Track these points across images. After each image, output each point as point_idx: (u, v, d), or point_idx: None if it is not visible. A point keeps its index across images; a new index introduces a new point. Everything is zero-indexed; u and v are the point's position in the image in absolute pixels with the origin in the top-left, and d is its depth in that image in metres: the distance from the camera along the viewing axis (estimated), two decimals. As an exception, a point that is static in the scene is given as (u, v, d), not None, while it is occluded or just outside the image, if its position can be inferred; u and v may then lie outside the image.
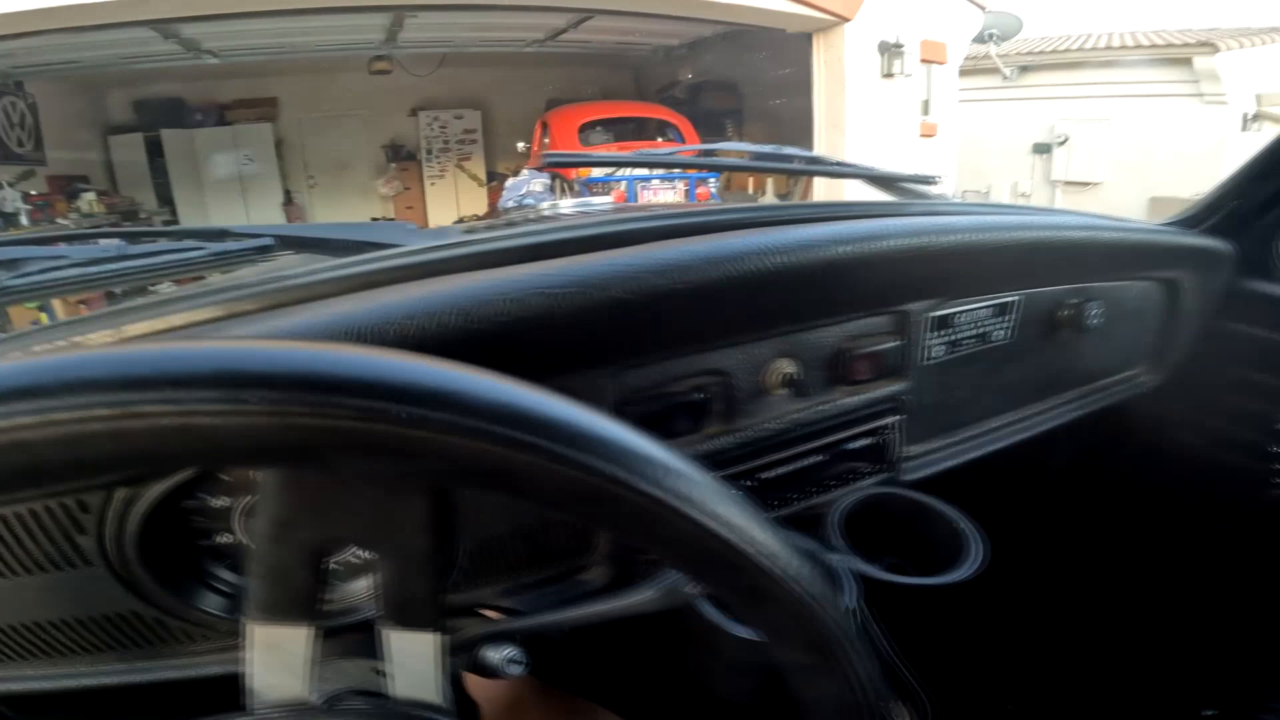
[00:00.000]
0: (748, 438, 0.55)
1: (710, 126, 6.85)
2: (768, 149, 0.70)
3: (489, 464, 0.22)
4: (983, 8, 6.78)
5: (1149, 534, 1.02)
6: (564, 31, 6.49)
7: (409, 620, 0.29)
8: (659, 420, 0.51)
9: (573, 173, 5.55)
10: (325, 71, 7.05)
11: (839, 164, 0.76)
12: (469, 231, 0.69)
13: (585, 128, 6.33)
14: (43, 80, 5.85)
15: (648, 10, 5.43)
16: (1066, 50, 8.18)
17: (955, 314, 0.67)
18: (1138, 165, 7.25)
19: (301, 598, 0.28)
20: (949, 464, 0.69)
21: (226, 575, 0.47)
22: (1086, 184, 7.88)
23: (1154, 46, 7.79)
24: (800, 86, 5.88)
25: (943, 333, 0.66)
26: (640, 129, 6.45)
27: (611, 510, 0.24)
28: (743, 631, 0.46)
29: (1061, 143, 8.08)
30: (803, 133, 5.69)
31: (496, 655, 0.49)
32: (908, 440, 0.66)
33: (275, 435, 0.20)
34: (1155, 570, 1.02)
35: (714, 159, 0.71)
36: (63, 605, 0.44)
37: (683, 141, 5.96)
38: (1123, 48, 8.11)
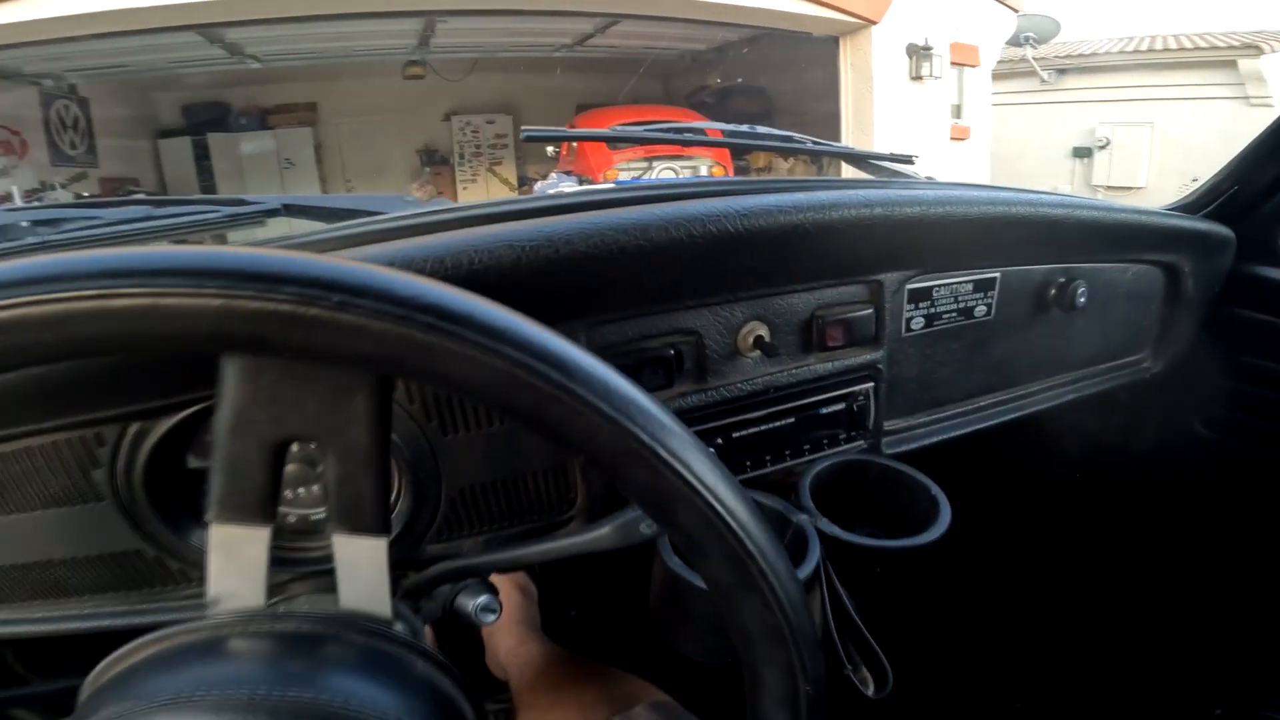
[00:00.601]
0: (719, 397, 0.57)
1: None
2: (743, 128, 0.72)
3: (413, 349, 0.25)
4: (1016, 10, 6.67)
5: (1150, 523, 1.00)
6: (591, 37, 6.57)
7: (356, 523, 0.30)
8: (630, 373, 0.52)
9: (599, 175, 5.62)
10: (361, 77, 7.24)
11: (815, 142, 0.77)
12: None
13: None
14: (94, 84, 6.12)
15: (674, 15, 5.48)
16: (1106, 53, 7.99)
17: (933, 287, 0.67)
18: (1182, 169, 7.04)
19: (259, 495, 0.29)
20: (933, 439, 0.69)
21: None
22: (1129, 188, 7.68)
23: (1197, 49, 7.57)
24: (828, 90, 5.86)
25: (921, 305, 0.67)
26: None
27: (524, 399, 0.26)
28: (698, 580, 0.48)
29: (1102, 146, 7.89)
30: (831, 136, 5.66)
31: (470, 603, 0.51)
32: (889, 414, 0.67)
33: (229, 317, 0.23)
34: (1157, 562, 1.00)
35: (688, 135, 0.73)
36: (71, 542, 0.47)
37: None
38: (1165, 50, 7.90)
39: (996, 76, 6.75)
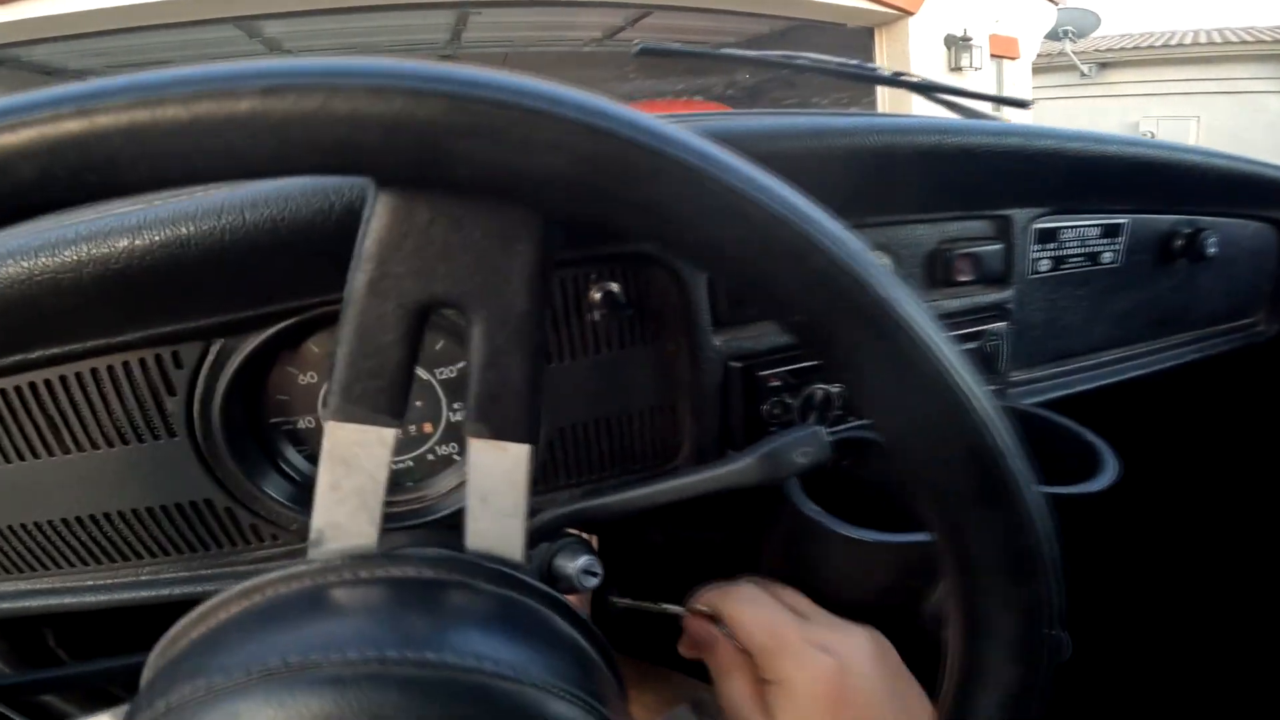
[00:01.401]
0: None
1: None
2: (856, 63, 0.67)
3: (621, 167, 0.20)
4: (1055, 3, 6.52)
5: (1269, 502, 0.93)
6: (621, 30, 6.53)
7: (499, 422, 0.25)
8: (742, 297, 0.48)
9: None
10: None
11: (925, 82, 0.72)
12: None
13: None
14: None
15: (706, 7, 5.42)
16: (1149, 47, 7.78)
17: (1060, 228, 0.62)
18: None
19: (392, 380, 0.24)
20: (1057, 394, 0.64)
21: (299, 462, 0.45)
22: (1169, 186, 7.45)
23: (1244, 43, 7.35)
24: (866, 102, 5.76)
25: (1048, 246, 0.62)
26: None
27: (781, 245, 0.21)
28: (851, 531, 0.42)
29: (1145, 141, 7.69)
30: (869, 107, 5.57)
31: (571, 565, 0.44)
32: (1014, 363, 0.61)
33: (397, 127, 0.19)
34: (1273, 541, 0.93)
35: (801, 61, 0.69)
36: (133, 490, 0.42)
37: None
38: (1210, 44, 7.68)
39: (1036, 70, 6.59)
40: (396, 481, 0.48)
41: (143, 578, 0.44)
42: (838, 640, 0.40)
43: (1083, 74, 7.75)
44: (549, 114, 0.20)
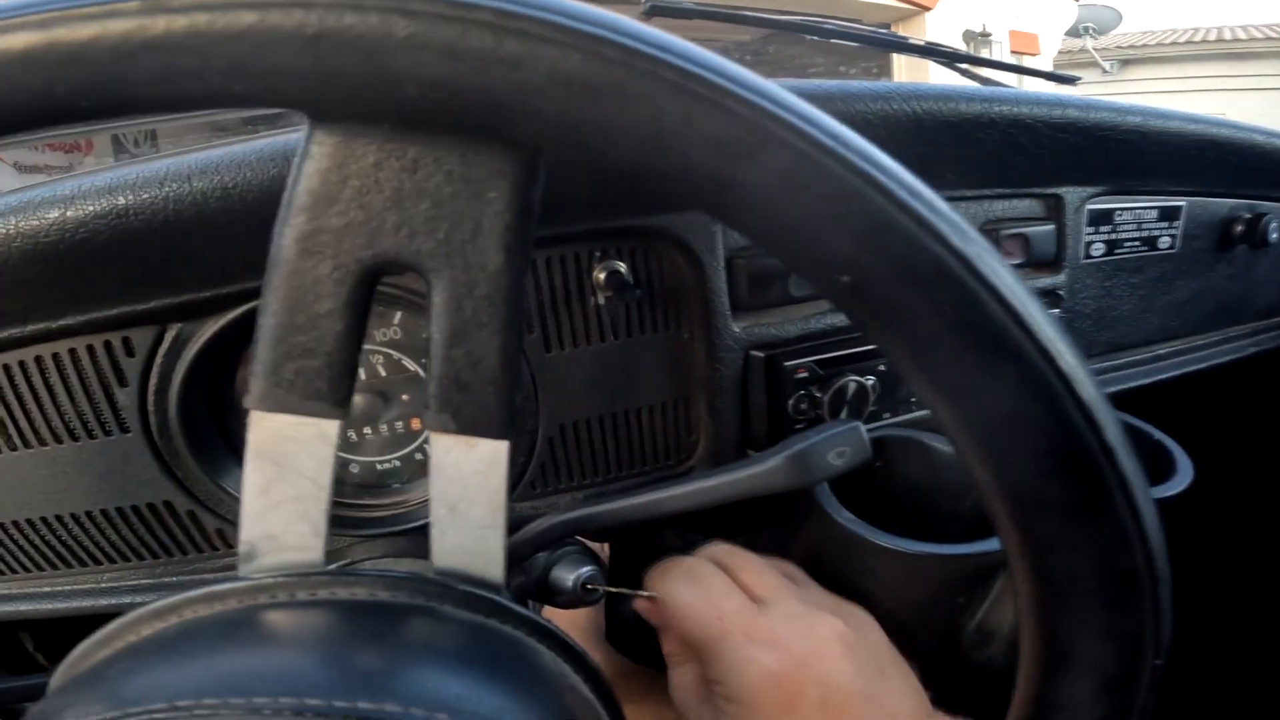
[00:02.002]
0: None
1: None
2: (885, 32, 0.62)
3: (619, 76, 0.15)
4: (1076, 0, 6.41)
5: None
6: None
7: (466, 413, 0.20)
8: (777, 277, 0.43)
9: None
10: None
11: (960, 53, 0.66)
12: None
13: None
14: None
15: (717, 4, 5.37)
16: (1173, 43, 7.65)
17: (1115, 209, 0.57)
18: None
19: (329, 361, 0.19)
20: (1111, 389, 0.59)
21: None
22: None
23: (1268, 39, 7.21)
24: (879, 78, 5.69)
25: (1102, 229, 0.56)
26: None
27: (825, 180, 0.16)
28: (892, 542, 0.37)
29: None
30: None
31: (571, 576, 0.40)
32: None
33: (326, 45, 0.14)
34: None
35: (829, 26, 0.64)
36: (87, 490, 0.38)
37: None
38: (1234, 40, 7.54)
39: (1057, 67, 6.49)
40: (381, 483, 0.43)
41: (103, 585, 0.41)
42: (797, 632, 0.33)
43: (1104, 71, 7.62)
44: (523, 15, 0.15)
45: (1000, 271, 0.17)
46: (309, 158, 0.18)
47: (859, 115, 0.42)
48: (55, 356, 0.35)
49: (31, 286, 0.32)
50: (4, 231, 0.31)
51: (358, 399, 0.40)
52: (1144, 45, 7.78)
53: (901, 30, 5.52)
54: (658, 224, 0.40)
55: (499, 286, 0.19)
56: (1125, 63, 7.79)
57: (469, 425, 0.20)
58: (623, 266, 0.40)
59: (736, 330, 0.43)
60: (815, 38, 0.60)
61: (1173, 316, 0.63)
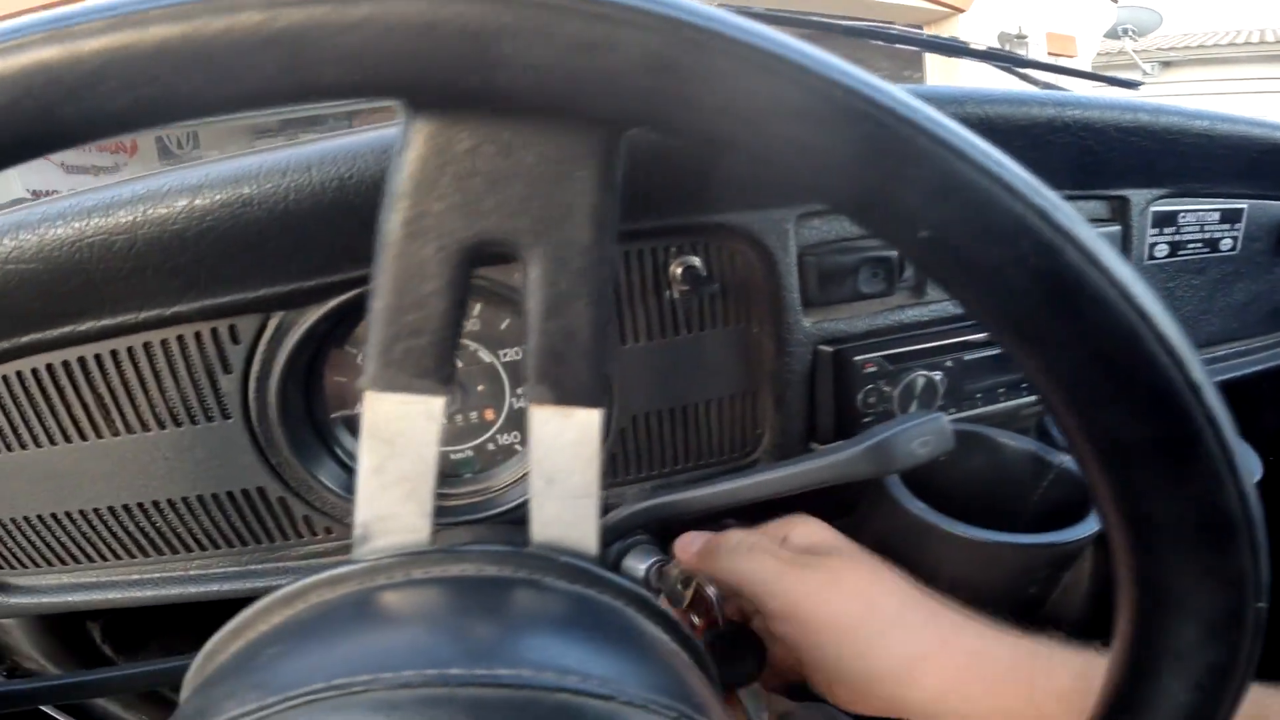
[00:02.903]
0: (942, 314, 0.47)
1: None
2: (949, 39, 0.63)
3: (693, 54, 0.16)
4: (1115, 1, 6.29)
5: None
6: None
7: (564, 385, 0.21)
8: (848, 273, 0.44)
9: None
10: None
11: (1021, 58, 0.67)
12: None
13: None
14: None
15: (746, 5, 5.35)
16: (1214, 45, 7.46)
17: (1179, 211, 0.57)
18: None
19: (436, 340, 0.20)
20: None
21: (353, 448, 0.42)
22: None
23: (1317, 41, 7.00)
24: (909, 79, 5.63)
25: (1166, 231, 0.56)
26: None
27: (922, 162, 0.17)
28: (969, 532, 0.38)
29: (1208, 144, 7.40)
30: None
31: (641, 566, 0.42)
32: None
33: (419, 38, 0.15)
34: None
35: (893, 31, 0.64)
36: (185, 476, 0.39)
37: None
38: (1277, 42, 7.34)
39: (1096, 69, 6.37)
40: (454, 472, 0.45)
41: (191, 572, 0.42)
42: (851, 559, 0.35)
43: (1144, 73, 7.46)
44: (610, 2, 0.16)
45: (1076, 221, 0.17)
46: (409, 145, 0.19)
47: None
48: (164, 343, 0.37)
49: (153, 273, 0.34)
50: (132, 218, 0.33)
51: None
52: (1185, 47, 7.61)
53: (934, 31, 5.46)
54: (734, 221, 0.41)
55: (590, 261, 0.20)
56: (1166, 64, 7.62)
57: (566, 395, 0.21)
58: (698, 261, 0.41)
59: (806, 325, 0.44)
60: (849, 36, 0.61)
61: (1232, 319, 0.62)
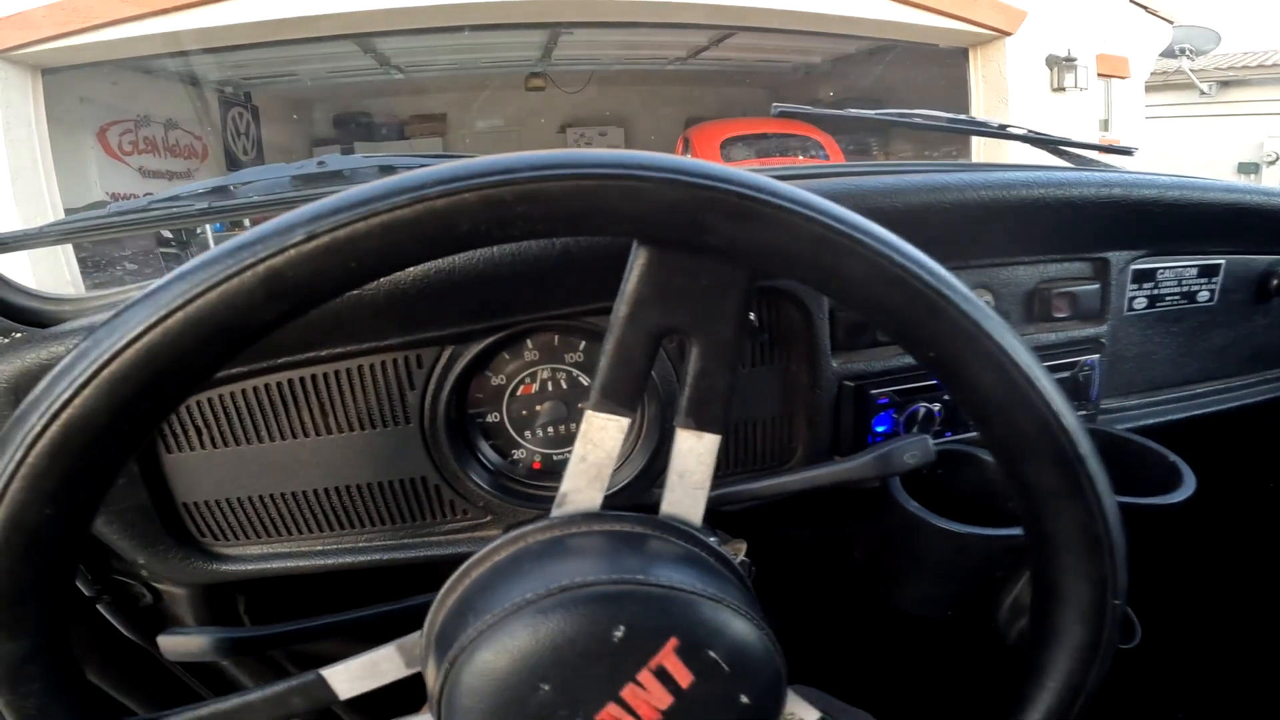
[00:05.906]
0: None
1: (855, 144, 6.70)
2: (964, 117, 0.74)
3: (813, 244, 0.29)
4: (1171, 21, 6.18)
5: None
6: (705, 49, 6.63)
7: (704, 417, 0.34)
8: (858, 328, 0.56)
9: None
10: (486, 89, 7.65)
11: (1031, 134, 0.77)
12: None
13: (727, 144, 6.42)
14: (263, 93, 6.79)
15: (793, 27, 5.44)
16: (1274, 64, 7.24)
17: (1158, 268, 0.67)
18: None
19: (636, 385, 0.33)
20: (1148, 422, 0.68)
21: (489, 452, 0.54)
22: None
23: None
24: (954, 102, 5.62)
25: (1145, 286, 0.66)
26: (783, 146, 6.44)
27: (895, 299, 0.29)
28: (947, 524, 0.49)
29: (1272, 162, 7.17)
30: (960, 151, 5.44)
31: (710, 538, 0.54)
32: (1107, 391, 0.66)
33: (662, 196, 0.28)
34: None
35: (916, 119, 0.76)
36: (373, 466, 0.50)
37: (827, 159, 5.89)
38: (1347, 61, 7.07)
39: (1151, 89, 6.26)
40: (555, 470, 0.56)
41: (360, 544, 0.54)
42: None
43: (1202, 92, 7.30)
44: (773, 204, 0.29)
45: (1021, 353, 0.30)
46: (637, 266, 0.32)
47: (937, 204, 0.54)
48: (372, 366, 0.49)
49: (381, 317, 0.47)
50: (378, 286, 0.45)
51: (548, 404, 0.54)
52: (1244, 66, 7.41)
53: (980, 55, 5.45)
54: (782, 285, 0.54)
55: (730, 348, 0.33)
56: (1224, 84, 7.43)
57: (703, 424, 0.34)
58: (753, 315, 0.54)
59: (834, 365, 0.56)
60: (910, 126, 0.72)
61: (1210, 360, 0.71)
